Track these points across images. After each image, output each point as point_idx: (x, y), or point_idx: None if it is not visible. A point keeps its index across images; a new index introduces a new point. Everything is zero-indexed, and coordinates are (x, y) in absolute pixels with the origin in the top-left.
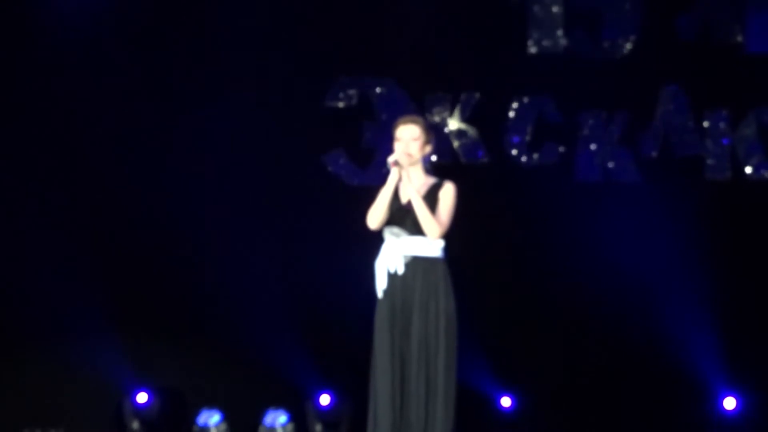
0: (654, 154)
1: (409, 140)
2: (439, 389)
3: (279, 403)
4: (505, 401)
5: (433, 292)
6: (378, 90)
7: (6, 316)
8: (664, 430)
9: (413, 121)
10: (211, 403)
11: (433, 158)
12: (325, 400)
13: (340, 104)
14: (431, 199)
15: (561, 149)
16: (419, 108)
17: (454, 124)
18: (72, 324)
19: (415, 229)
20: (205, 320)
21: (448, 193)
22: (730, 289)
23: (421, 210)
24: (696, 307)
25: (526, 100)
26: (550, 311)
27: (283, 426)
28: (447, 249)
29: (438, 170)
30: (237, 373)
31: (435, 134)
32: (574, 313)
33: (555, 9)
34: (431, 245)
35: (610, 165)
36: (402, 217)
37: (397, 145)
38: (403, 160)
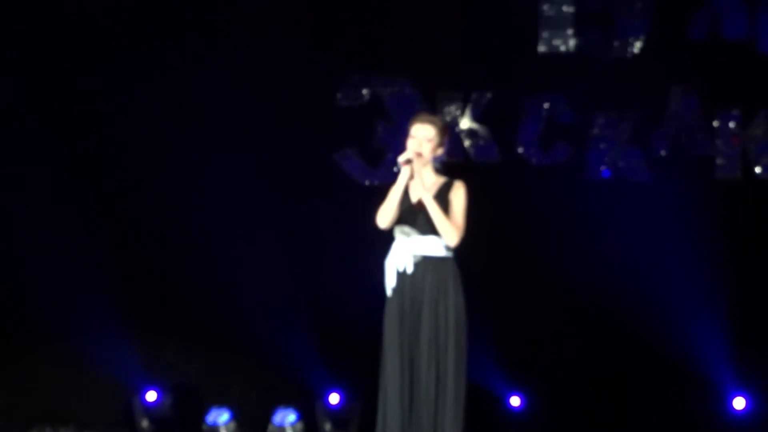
0: (664, 153)
1: (422, 140)
2: (448, 388)
3: (288, 402)
4: (515, 400)
5: (443, 290)
6: (389, 89)
7: (15, 314)
8: (674, 429)
9: (430, 122)
10: (221, 402)
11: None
12: (334, 398)
13: (352, 103)
14: (442, 198)
15: (572, 149)
16: (430, 107)
17: (465, 123)
18: (82, 322)
19: (426, 228)
20: (215, 319)
21: (459, 194)
22: (739, 289)
23: (437, 217)
24: (705, 307)
25: (536, 99)
26: (560, 310)
27: (293, 425)
28: (457, 247)
29: (449, 169)
30: (246, 371)
31: (449, 135)
32: (584, 311)
33: (566, 8)
34: (441, 244)
35: (621, 164)
36: (412, 216)
37: (410, 143)
38: (414, 159)
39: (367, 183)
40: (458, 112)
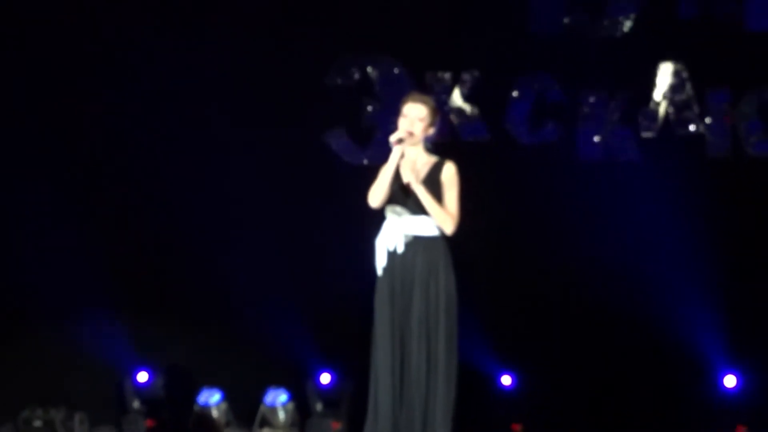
0: (654, 132)
1: (414, 119)
2: (439, 368)
3: (279, 382)
4: (506, 379)
5: (434, 271)
6: (378, 68)
7: (7, 295)
8: (665, 408)
9: (422, 101)
10: (212, 382)
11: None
12: (325, 378)
13: (341, 82)
14: (433, 179)
15: (561, 128)
16: (419, 86)
17: (454, 102)
18: (73, 304)
19: (417, 208)
20: (206, 299)
21: (451, 178)
22: (730, 267)
23: (431, 207)
24: (697, 286)
25: (526, 78)
26: (551, 290)
27: (284, 405)
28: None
29: (439, 148)
30: (237, 352)
31: (440, 115)
32: (575, 291)
33: None
34: (432, 224)
35: (611, 143)
36: (403, 195)
37: (402, 122)
38: (405, 139)
39: (356, 162)
40: (447, 91)
